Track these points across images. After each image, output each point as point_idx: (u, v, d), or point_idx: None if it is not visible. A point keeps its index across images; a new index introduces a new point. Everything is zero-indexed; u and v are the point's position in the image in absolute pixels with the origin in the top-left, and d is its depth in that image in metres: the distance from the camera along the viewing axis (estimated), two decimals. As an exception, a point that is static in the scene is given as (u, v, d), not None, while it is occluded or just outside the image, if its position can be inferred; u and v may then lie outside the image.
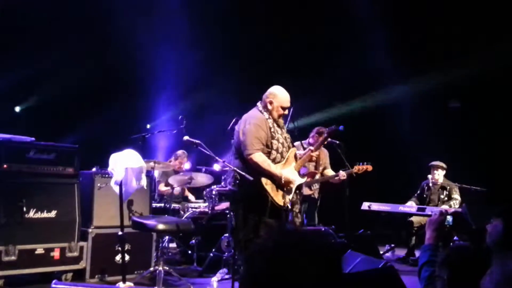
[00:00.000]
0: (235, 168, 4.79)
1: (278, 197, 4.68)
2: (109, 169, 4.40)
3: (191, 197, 8.10)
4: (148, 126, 9.42)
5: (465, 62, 8.98)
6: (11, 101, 8.19)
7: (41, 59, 7.64)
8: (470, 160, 8.99)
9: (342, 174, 6.91)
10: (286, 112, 4.95)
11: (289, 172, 4.78)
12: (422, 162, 8.28)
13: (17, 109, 8.38)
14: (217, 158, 5.08)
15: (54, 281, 3.47)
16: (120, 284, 4.26)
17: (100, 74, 8.18)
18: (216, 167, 7.71)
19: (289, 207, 4.77)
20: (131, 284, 4.20)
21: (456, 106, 10.58)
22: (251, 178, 4.60)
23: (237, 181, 4.82)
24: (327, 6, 8.80)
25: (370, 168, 6.97)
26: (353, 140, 7.44)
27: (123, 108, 8.49)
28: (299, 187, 4.98)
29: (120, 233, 4.42)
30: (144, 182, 4.57)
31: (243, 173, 4.68)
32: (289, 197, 4.76)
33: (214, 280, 4.54)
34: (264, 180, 4.65)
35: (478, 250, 2.43)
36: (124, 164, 4.34)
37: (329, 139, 6.04)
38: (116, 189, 4.41)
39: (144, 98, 8.78)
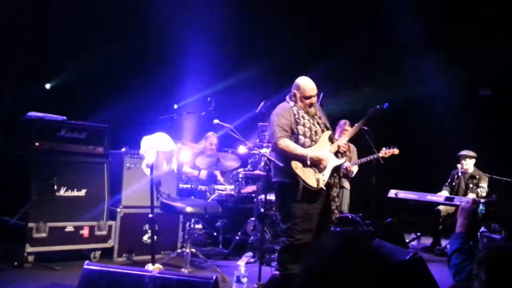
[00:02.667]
0: (264, 154, 4.82)
1: (310, 179, 4.64)
2: (141, 152, 4.42)
3: (219, 178, 7.99)
4: (176, 106, 9.41)
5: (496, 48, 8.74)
6: (42, 78, 8.23)
7: (71, 36, 7.66)
8: (501, 150, 8.82)
9: (384, 152, 6.86)
10: (313, 100, 4.89)
11: (321, 152, 4.74)
12: (453, 151, 8.15)
13: (48, 86, 8.43)
14: (247, 142, 5.09)
15: (86, 262, 3.54)
16: (149, 265, 4.32)
17: (130, 53, 8.15)
18: (242, 149, 7.70)
19: (324, 188, 4.71)
20: (160, 266, 4.26)
21: (486, 94, 10.35)
22: (281, 164, 4.64)
23: (268, 167, 4.89)
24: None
25: (396, 151, 6.91)
26: (382, 128, 7.35)
27: (151, 87, 8.48)
28: (337, 170, 4.89)
29: (150, 215, 4.45)
30: (174, 165, 4.60)
31: (273, 159, 4.71)
32: (323, 178, 4.70)
33: (242, 263, 4.55)
34: (294, 164, 4.65)
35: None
36: (156, 147, 4.36)
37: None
38: (147, 171, 4.43)
39: (173, 78, 8.75)
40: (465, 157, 7.90)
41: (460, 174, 7.88)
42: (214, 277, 3.25)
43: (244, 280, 4.46)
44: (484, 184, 7.70)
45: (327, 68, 7.97)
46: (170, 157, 4.46)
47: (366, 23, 8.75)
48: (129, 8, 7.84)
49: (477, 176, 7.77)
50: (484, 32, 8.70)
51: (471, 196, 7.42)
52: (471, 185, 7.74)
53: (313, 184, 4.66)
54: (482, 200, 3.12)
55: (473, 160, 7.91)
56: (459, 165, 7.89)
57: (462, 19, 8.65)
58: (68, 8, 7.54)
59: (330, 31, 8.85)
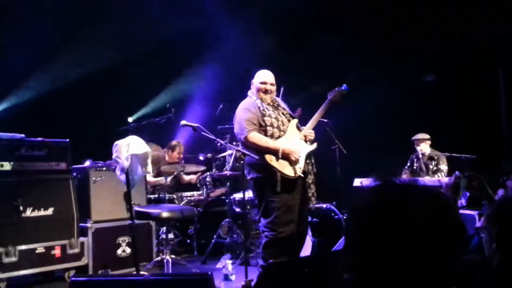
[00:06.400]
0: (239, 148, 4.79)
1: (286, 169, 4.64)
2: (113, 157, 4.27)
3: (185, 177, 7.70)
4: (130, 119, 9.21)
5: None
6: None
7: (16, 55, 7.39)
8: (454, 131, 9.04)
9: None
10: (268, 87, 4.93)
11: (292, 143, 4.74)
12: (409, 135, 8.31)
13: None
14: (218, 140, 5.03)
15: (72, 274, 3.38)
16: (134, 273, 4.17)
17: (78, 69, 7.94)
18: (200, 156, 7.60)
19: (302, 176, 4.74)
20: (146, 273, 4.12)
21: (431, 79, 10.66)
22: (256, 157, 4.62)
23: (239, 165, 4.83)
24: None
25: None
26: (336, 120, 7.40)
27: (107, 101, 8.26)
28: (310, 157, 4.90)
29: (129, 222, 4.31)
30: (149, 168, 4.47)
31: (248, 152, 4.67)
32: (299, 165, 4.71)
33: (229, 262, 4.46)
34: (268, 157, 4.65)
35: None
36: (129, 151, 4.22)
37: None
38: (122, 177, 4.28)
39: (127, 91, 8.57)
40: (419, 140, 8.05)
41: (420, 156, 8.02)
42: (210, 272, 3.17)
43: (233, 277, 4.37)
44: (443, 166, 7.83)
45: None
46: (144, 160, 4.33)
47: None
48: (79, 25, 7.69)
49: (435, 157, 7.92)
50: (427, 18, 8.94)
51: (429, 178, 7.58)
52: (430, 166, 7.90)
53: (291, 173, 4.66)
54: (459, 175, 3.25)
55: (428, 142, 8.06)
56: (418, 148, 8.05)
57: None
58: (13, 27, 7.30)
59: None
